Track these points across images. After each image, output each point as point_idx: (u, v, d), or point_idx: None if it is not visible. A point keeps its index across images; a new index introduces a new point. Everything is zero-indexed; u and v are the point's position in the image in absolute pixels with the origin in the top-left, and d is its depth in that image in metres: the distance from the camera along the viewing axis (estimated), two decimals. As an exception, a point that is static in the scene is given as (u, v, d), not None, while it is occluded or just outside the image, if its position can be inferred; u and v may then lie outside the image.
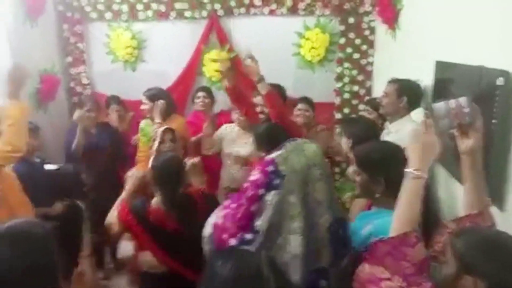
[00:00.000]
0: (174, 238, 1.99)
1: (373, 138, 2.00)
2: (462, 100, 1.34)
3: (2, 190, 2.08)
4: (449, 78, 2.09)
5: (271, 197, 1.42)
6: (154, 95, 2.99)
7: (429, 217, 1.36)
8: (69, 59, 3.99)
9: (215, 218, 1.62)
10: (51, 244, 1.04)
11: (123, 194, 2.26)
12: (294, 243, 1.40)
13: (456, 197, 1.88)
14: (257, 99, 2.73)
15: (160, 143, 2.50)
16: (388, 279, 1.09)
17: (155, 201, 2.06)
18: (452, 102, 1.36)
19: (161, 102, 2.87)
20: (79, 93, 4.01)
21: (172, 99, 3.13)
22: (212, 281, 1.07)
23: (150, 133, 2.85)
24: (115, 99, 3.57)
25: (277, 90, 2.64)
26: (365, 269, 1.18)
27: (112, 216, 2.12)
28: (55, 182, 2.57)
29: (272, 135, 2.20)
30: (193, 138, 3.22)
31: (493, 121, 1.61)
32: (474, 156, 1.31)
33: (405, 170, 1.20)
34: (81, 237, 2.41)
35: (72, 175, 2.65)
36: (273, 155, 1.47)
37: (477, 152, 1.32)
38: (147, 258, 2.04)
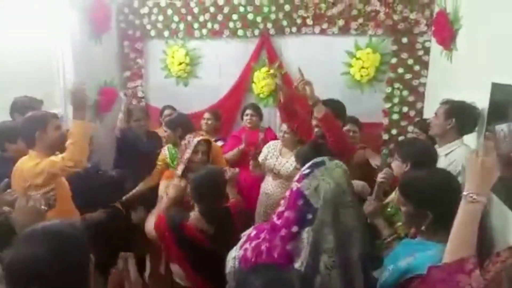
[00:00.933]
0: (206, 254, 1.94)
1: (432, 163, 1.86)
2: None
3: (56, 194, 2.23)
4: (505, 100, 1.97)
5: (306, 234, 1.41)
6: (171, 122, 2.98)
7: (480, 245, 1.28)
8: (128, 73, 4.25)
9: (237, 252, 1.61)
10: (82, 243, 1.09)
11: (164, 202, 2.27)
12: (333, 277, 1.40)
13: (508, 225, 1.75)
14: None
15: (193, 153, 2.44)
16: None
17: (193, 215, 2.01)
18: None
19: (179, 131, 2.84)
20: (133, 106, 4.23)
21: (190, 124, 2.98)
22: None
23: (174, 154, 2.93)
24: (169, 106, 3.77)
25: (337, 108, 2.49)
26: None
27: (150, 224, 2.14)
28: (101, 188, 2.65)
29: (313, 154, 2.14)
30: (230, 154, 3.24)
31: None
32: None
33: (463, 193, 1.16)
34: (122, 238, 2.43)
35: (117, 181, 2.69)
36: (302, 184, 1.45)
37: None
38: (178, 269, 2.01)
